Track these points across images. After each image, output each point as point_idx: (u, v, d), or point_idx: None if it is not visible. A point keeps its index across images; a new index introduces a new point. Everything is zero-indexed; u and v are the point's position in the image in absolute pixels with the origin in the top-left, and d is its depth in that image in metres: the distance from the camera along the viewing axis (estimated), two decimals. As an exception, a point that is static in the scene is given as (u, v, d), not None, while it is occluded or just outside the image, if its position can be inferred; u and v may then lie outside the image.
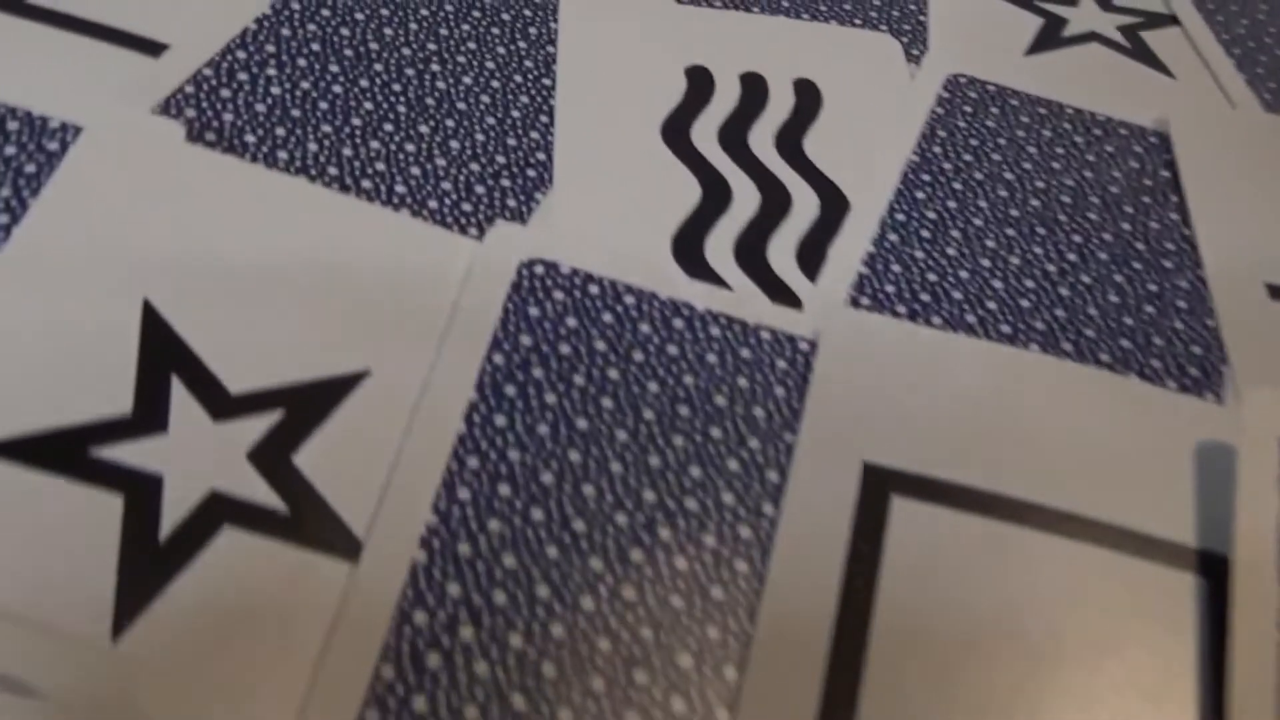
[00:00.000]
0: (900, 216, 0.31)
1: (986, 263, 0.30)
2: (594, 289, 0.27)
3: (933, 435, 0.26)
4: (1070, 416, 0.26)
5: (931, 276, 0.30)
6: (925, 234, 0.31)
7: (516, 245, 0.28)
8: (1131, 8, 0.39)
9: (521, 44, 0.34)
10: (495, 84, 0.32)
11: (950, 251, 0.30)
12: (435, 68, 0.32)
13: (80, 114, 0.28)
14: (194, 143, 0.28)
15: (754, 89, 0.34)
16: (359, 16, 0.33)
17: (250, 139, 0.29)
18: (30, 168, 0.27)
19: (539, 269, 0.27)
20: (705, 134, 0.33)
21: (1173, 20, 0.38)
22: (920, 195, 0.31)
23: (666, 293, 0.28)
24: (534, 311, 0.26)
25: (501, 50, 0.33)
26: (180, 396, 0.24)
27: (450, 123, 0.31)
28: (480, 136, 0.31)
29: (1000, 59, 0.36)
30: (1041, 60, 0.36)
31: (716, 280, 0.29)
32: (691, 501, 0.24)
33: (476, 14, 0.34)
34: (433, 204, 0.29)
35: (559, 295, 0.27)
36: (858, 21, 0.37)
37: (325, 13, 0.32)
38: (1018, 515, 0.25)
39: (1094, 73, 0.36)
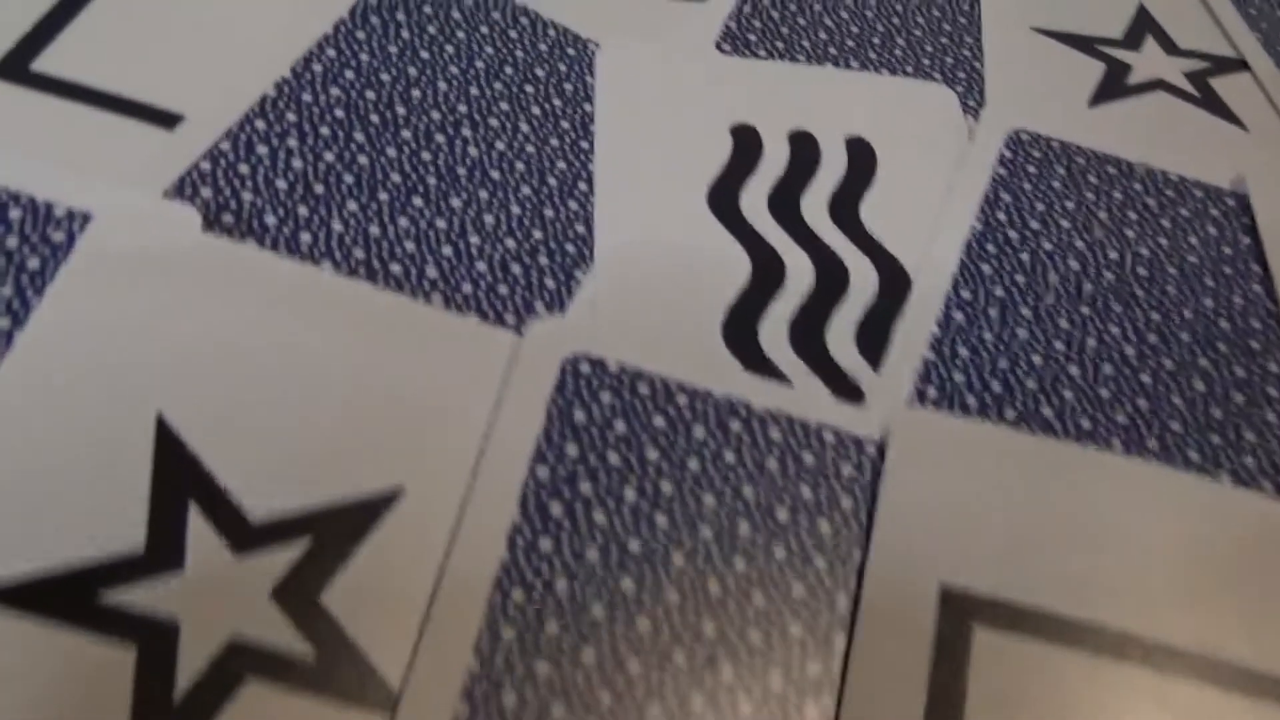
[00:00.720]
0: (965, 294, 0.28)
1: (1060, 346, 0.27)
2: (643, 388, 0.25)
3: (1016, 553, 0.23)
4: (1164, 528, 0.24)
5: (1002, 363, 0.27)
6: (993, 313, 0.28)
7: (558, 341, 0.25)
8: (1197, 50, 0.36)
9: (556, 102, 0.31)
10: (530, 149, 0.30)
11: (1021, 333, 0.28)
12: (467, 132, 0.30)
13: (88, 199, 0.25)
14: (211, 228, 0.26)
15: (804, 149, 0.31)
16: (384, 78, 0.30)
17: (271, 220, 0.27)
18: (34, 262, 0.24)
19: (584, 367, 0.25)
20: (755, 201, 0.30)
21: (1242, 65, 0.36)
22: (986, 269, 0.29)
23: (721, 389, 0.25)
24: (580, 416, 0.24)
25: (536, 110, 0.31)
26: (197, 526, 0.21)
27: (484, 194, 0.29)
28: (515, 209, 0.29)
29: (1063, 110, 0.34)
30: (1106, 112, 0.34)
31: (773, 371, 0.26)
32: (755, 634, 0.22)
33: (509, 70, 0.31)
34: (467, 288, 0.27)
35: (606, 397, 0.24)
36: (909, 69, 0.34)
37: (349, 75, 0.30)
38: (1115, 648, 0.22)
39: (1163, 125, 0.34)
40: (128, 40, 0.29)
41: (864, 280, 0.29)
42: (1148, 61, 0.35)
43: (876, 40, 0.35)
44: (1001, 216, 0.30)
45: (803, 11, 0.35)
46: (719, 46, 0.34)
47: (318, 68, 0.30)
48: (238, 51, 0.29)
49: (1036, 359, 0.27)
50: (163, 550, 0.21)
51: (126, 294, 0.24)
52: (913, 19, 0.36)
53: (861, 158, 0.31)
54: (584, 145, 0.30)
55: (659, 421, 0.24)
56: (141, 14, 0.29)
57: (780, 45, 0.34)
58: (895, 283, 0.29)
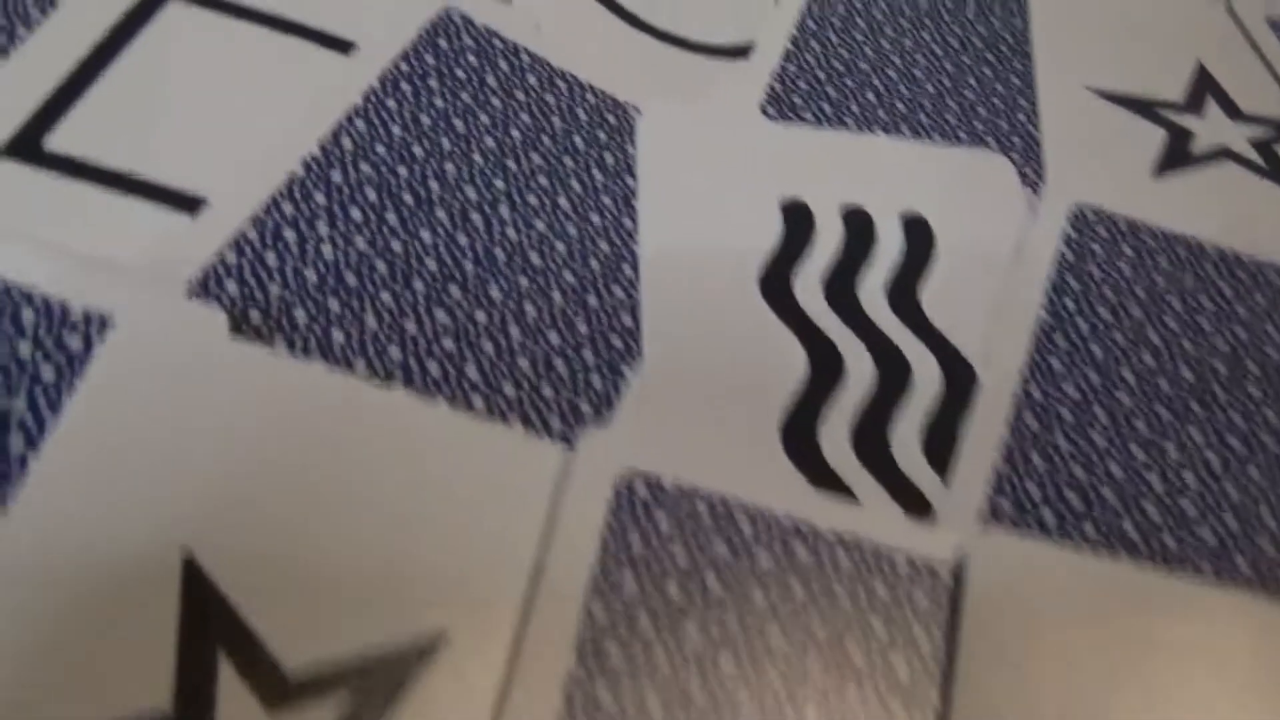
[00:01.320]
0: (1036, 394, 0.26)
1: (1140, 454, 0.25)
2: (702, 507, 0.23)
3: (1112, 702, 0.21)
4: (1261, 669, 0.22)
5: (1079, 471, 0.25)
6: (1067, 416, 0.26)
7: (610, 456, 0.23)
8: (1262, 115, 0.34)
9: (598, 175, 0.29)
10: (572, 229, 0.28)
11: (1097, 439, 0.26)
12: (505, 211, 0.28)
13: (107, 298, 0.23)
14: (239, 329, 0.24)
15: (859, 228, 0.29)
16: (417, 152, 0.28)
17: (301, 316, 0.24)
18: (49, 373, 0.22)
19: (640, 488, 0.23)
20: (809, 286, 0.28)
21: (1309, 131, 0.34)
22: (1056, 365, 0.27)
23: (784, 508, 0.23)
24: (636, 544, 0.22)
25: (576, 185, 0.29)
26: (229, 681, 0.19)
27: (524, 281, 0.27)
28: (558, 296, 0.27)
29: (1126, 182, 0.32)
30: (1171, 184, 0.32)
31: (837, 483, 0.24)
32: (831, 794, 0.20)
33: (547, 140, 0.29)
34: (509, 389, 0.25)
35: (664, 521, 0.22)
36: (963, 135, 0.32)
37: (380, 150, 0.28)
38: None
39: (1231, 198, 0.31)
40: (146, 115, 0.27)
41: (928, 377, 0.26)
42: (1211, 128, 0.33)
43: (927, 103, 0.33)
44: (1069, 305, 0.28)
45: (849, 71, 0.33)
46: (764, 110, 0.32)
47: (347, 143, 0.27)
48: (262, 126, 0.27)
49: (1115, 468, 0.25)
50: (191, 708, 0.19)
51: (150, 414, 0.21)
52: (964, 79, 0.34)
53: (919, 237, 0.29)
54: (627, 224, 0.28)
55: (721, 548, 0.22)
56: (159, 87, 0.27)
57: (827, 109, 0.32)
58: (960, 379, 0.26)
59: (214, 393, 0.22)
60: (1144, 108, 0.34)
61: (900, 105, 0.33)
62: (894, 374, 0.26)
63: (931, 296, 0.28)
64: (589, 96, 0.30)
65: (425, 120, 0.28)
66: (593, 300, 0.27)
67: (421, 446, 0.23)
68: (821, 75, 0.33)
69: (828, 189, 0.30)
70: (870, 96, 0.33)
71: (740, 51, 0.33)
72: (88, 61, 0.28)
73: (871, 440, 0.25)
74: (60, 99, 0.27)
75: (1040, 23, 0.36)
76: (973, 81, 0.34)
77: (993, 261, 0.29)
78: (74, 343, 0.22)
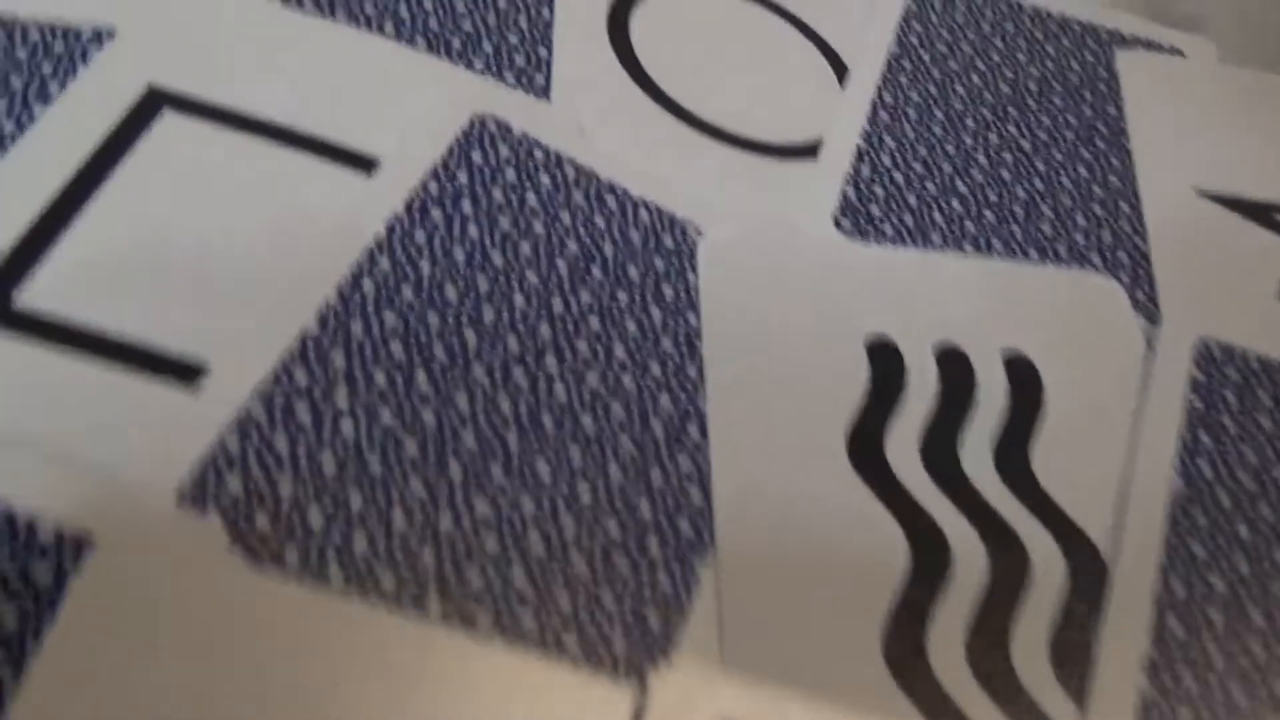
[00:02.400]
0: (1180, 589, 0.22)
1: (1306, 668, 0.21)
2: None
3: None
4: None
5: (1238, 694, 0.21)
6: (1217, 619, 0.21)
7: (690, 706, 0.18)
8: (1393, 221, 0.29)
9: (655, 313, 0.24)
10: (628, 381, 0.23)
11: (1255, 647, 0.21)
12: (552, 364, 0.23)
13: (86, 514, 0.19)
14: (241, 541, 0.19)
15: (956, 373, 0.25)
16: (450, 294, 0.23)
17: (316, 519, 0.20)
18: (10, 617, 0.18)
19: (728, 748, 0.18)
20: (904, 449, 0.23)
21: None
22: (1199, 551, 0.22)
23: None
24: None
25: (632, 326, 0.24)
26: None
27: (576, 453, 0.22)
28: (616, 472, 0.22)
29: (1251, 308, 0.27)
30: (1303, 310, 0.27)
31: (954, 713, 0.20)
32: None
33: (597, 272, 0.25)
34: (564, 601, 0.20)
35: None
36: (1061, 250, 0.28)
37: (407, 293, 0.23)
38: None
39: (1371, 327, 0.27)
40: (135, 261, 0.22)
41: (1049, 566, 0.22)
42: (1340, 239, 0.29)
43: (1019, 210, 0.28)
44: (1206, 470, 0.23)
45: (930, 172, 0.29)
46: (838, 223, 0.27)
47: (369, 286, 0.23)
48: (270, 269, 0.23)
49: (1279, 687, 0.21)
50: None
51: (131, 668, 0.17)
52: (1057, 181, 0.29)
53: (1024, 381, 0.25)
54: (691, 373, 0.24)
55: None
56: (150, 225, 0.23)
57: (909, 220, 0.28)
58: (1088, 569, 0.22)
59: (209, 634, 0.18)
60: (1259, 212, 0.29)
61: (989, 214, 0.28)
62: (1010, 565, 0.22)
63: (1044, 459, 0.24)
64: (642, 214, 0.26)
65: (459, 255, 0.24)
66: (656, 475, 0.22)
67: (467, 687, 0.18)
68: (899, 178, 0.28)
69: (918, 324, 0.25)
70: (955, 204, 0.28)
71: (808, 150, 0.29)
72: (66, 194, 0.23)
73: (989, 653, 0.21)
74: (33, 243, 0.22)
75: (1136, 110, 0.31)
76: (1067, 183, 0.29)
77: (1111, 413, 0.25)
78: (43, 576, 0.18)
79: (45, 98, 0.25)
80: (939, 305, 0.26)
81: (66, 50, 0.26)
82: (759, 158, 0.28)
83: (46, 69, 0.26)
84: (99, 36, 0.26)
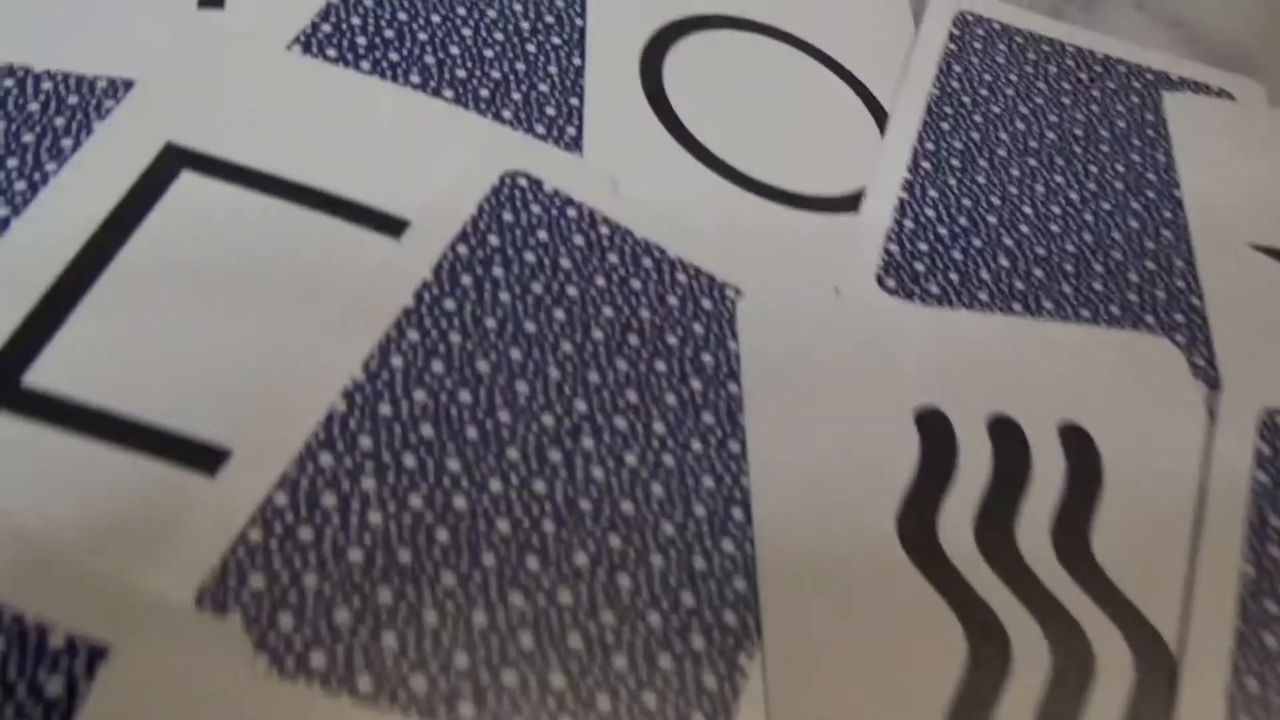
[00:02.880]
0: (1253, 685, 0.20)
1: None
2: None
3: None
4: None
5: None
6: (1294, 720, 0.20)
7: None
8: None
9: (695, 384, 0.23)
10: (669, 460, 0.22)
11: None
12: (588, 443, 0.22)
13: (99, 618, 0.17)
14: (263, 645, 0.18)
15: (1010, 446, 0.23)
16: (483, 368, 0.22)
17: (343, 617, 0.19)
18: (20, 737, 0.16)
19: None
20: (957, 530, 0.22)
21: None
22: (1272, 643, 0.21)
23: None
24: None
25: (671, 399, 0.23)
26: None
27: (615, 541, 0.21)
28: (657, 560, 0.21)
29: (1315, 373, 0.26)
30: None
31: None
32: None
33: (634, 340, 0.23)
34: (603, 702, 0.19)
35: None
36: (1115, 309, 0.26)
37: (437, 368, 0.22)
38: None
39: None
40: (151, 337, 0.21)
41: (1114, 660, 0.21)
42: (1404, 297, 0.27)
43: (1069, 267, 0.27)
44: (1275, 553, 0.22)
45: (976, 227, 0.27)
46: (881, 281, 0.26)
47: (398, 362, 0.22)
48: (293, 341, 0.21)
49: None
50: None
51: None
52: (1107, 234, 0.28)
53: (1082, 454, 0.23)
54: (733, 447, 0.22)
55: None
56: (166, 296, 0.21)
57: (954, 278, 0.26)
58: (1155, 663, 0.21)
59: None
60: (1317, 266, 0.28)
61: (1038, 271, 0.27)
62: (1073, 657, 0.21)
63: (1104, 540, 0.22)
64: (680, 276, 0.24)
65: (490, 323, 0.23)
66: (699, 562, 0.21)
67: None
68: (944, 233, 0.27)
69: (968, 392, 0.24)
70: (1002, 260, 0.27)
71: (849, 203, 0.27)
72: (79, 263, 0.22)
73: (1055, 760, 0.19)
74: (44, 317, 0.21)
75: (1186, 157, 0.30)
76: (1118, 237, 0.28)
77: (1173, 490, 0.23)
78: (53, 687, 0.17)
79: (58, 155, 0.24)
80: (989, 371, 0.24)
81: (81, 103, 0.25)
82: (799, 212, 0.27)
83: (59, 123, 0.25)
84: (115, 89, 0.25)
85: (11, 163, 0.24)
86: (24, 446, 0.19)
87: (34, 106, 0.25)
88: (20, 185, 0.23)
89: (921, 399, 0.24)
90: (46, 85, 0.25)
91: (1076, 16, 0.34)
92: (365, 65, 0.27)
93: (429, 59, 0.27)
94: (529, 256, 0.24)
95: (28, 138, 0.24)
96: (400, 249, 0.23)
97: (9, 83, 0.25)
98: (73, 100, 0.25)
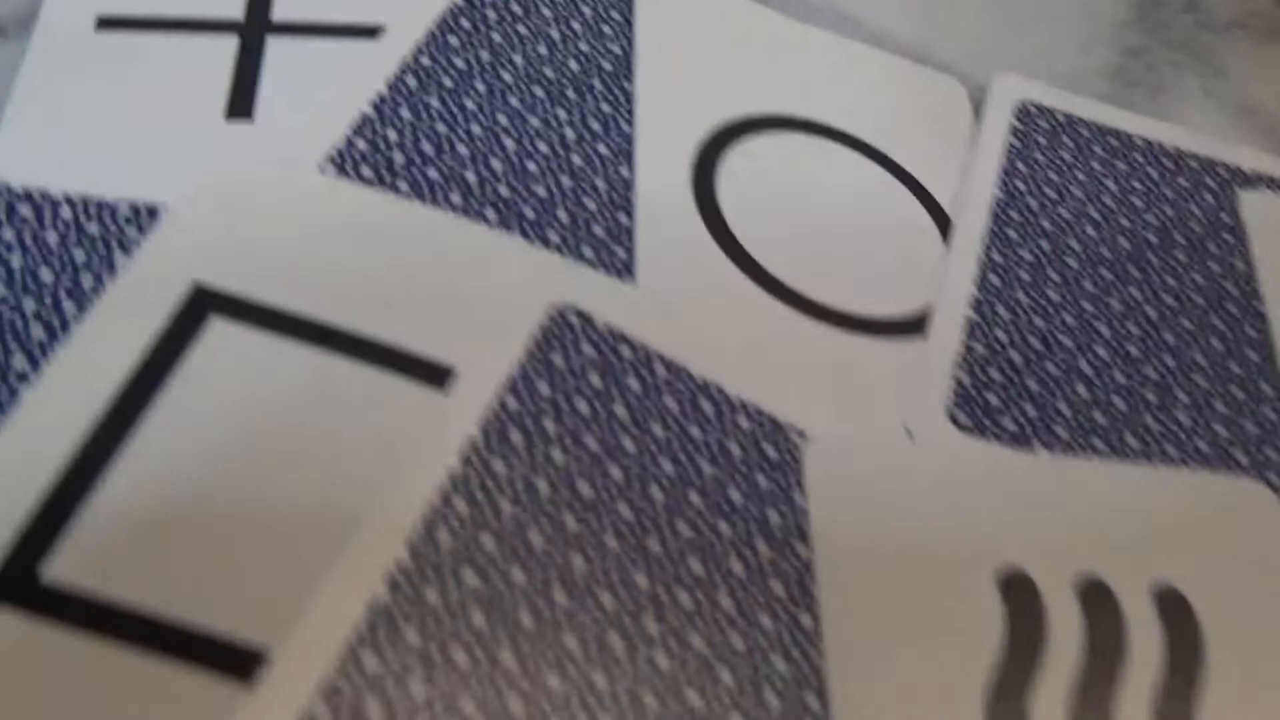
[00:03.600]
0: None
1: None
2: None
3: None
4: None
5: None
6: None
7: None
8: None
9: (761, 546, 0.21)
10: (737, 641, 0.20)
11: None
12: (650, 625, 0.20)
13: None
14: None
15: (1102, 613, 0.21)
16: (535, 540, 0.20)
17: None
18: None
19: None
20: (1051, 714, 0.20)
21: None
22: None
23: None
24: None
25: (737, 566, 0.21)
26: None
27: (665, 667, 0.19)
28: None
29: None
30: None
31: None
32: None
33: (695, 498, 0.21)
34: None
35: None
36: (1203, 447, 0.24)
37: (487, 544, 0.20)
38: None
39: None
40: (175, 525, 0.19)
41: None
42: None
43: (1150, 395, 0.25)
44: (1398, 744, 0.20)
45: (1050, 348, 0.25)
46: (954, 419, 0.24)
47: (445, 538, 0.20)
48: (331, 525, 0.19)
49: None
50: None
51: None
52: (1189, 356, 0.26)
53: (1181, 622, 0.21)
54: (805, 622, 0.20)
55: None
56: (188, 477, 0.19)
57: (1031, 411, 0.24)
58: None
59: None
60: None
61: (1118, 401, 0.25)
62: None
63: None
64: (741, 420, 0.22)
65: (543, 488, 0.21)
66: (774, 701, 0.19)
67: None
68: (1017, 358, 0.25)
69: (1054, 550, 0.22)
70: (1080, 389, 0.25)
71: (915, 325, 0.25)
72: (100, 432, 0.20)
73: None
74: (62, 500, 0.19)
75: (1267, 265, 0.28)
76: (1200, 359, 0.26)
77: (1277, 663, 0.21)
78: None
79: (79, 296, 0.22)
80: (1075, 524, 0.22)
81: (102, 233, 0.23)
82: (862, 338, 0.25)
83: (79, 256, 0.23)
84: (138, 215, 0.23)
85: (29, 304, 0.22)
86: (36, 650, 0.17)
87: (52, 238, 0.23)
88: (38, 332, 0.22)
89: (1004, 557, 0.22)
90: (65, 212, 0.23)
91: (1143, 104, 0.32)
92: (403, 185, 0.25)
93: (470, 175, 0.25)
94: (582, 406, 0.22)
95: (46, 275, 0.22)
96: (444, 403, 0.21)
97: (25, 210, 0.23)
98: (93, 229, 0.23)
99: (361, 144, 0.25)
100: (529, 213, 0.25)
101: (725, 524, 0.21)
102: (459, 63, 0.27)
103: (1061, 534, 0.22)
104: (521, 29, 0.28)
